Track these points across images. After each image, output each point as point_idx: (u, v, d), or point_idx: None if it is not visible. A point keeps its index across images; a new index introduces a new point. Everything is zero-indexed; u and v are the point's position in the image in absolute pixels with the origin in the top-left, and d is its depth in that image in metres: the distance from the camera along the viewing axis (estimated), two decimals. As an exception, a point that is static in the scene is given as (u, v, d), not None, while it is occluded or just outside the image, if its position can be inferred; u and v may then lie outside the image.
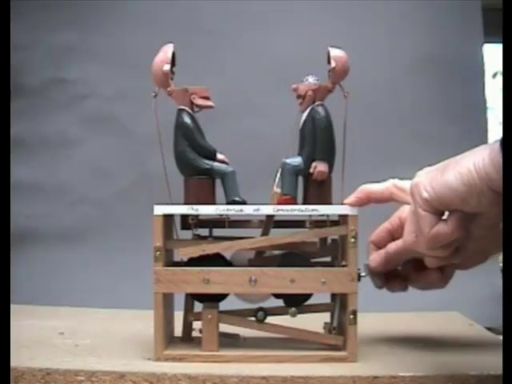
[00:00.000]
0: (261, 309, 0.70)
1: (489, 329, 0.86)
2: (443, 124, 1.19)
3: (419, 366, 0.65)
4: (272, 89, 1.10)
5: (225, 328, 0.69)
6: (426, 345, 0.75)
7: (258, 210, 0.67)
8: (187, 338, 0.72)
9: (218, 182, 0.69)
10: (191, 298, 0.71)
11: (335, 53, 0.69)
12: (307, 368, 0.64)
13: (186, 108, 0.69)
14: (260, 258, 0.70)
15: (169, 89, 0.69)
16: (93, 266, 1.16)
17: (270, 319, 0.70)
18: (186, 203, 0.68)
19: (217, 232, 0.71)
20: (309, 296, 0.69)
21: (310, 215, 0.68)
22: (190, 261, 0.69)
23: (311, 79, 0.69)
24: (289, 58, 1.14)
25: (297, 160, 0.69)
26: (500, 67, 1.69)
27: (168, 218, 0.69)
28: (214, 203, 0.69)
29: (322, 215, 0.69)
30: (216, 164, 0.69)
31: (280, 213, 0.68)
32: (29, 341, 0.75)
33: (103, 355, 0.69)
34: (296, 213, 0.68)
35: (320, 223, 0.69)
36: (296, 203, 0.68)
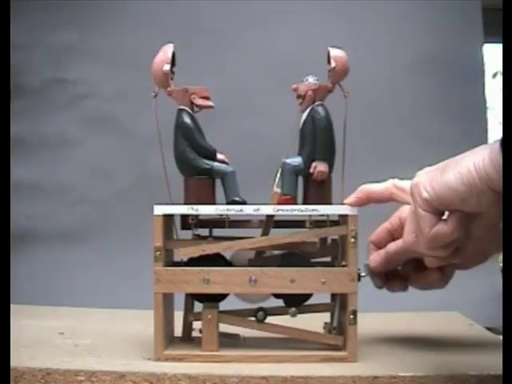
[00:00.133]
0: (261, 309, 0.70)
1: (489, 329, 0.86)
2: (443, 124, 1.19)
3: (419, 366, 0.65)
4: (272, 89, 1.10)
5: (225, 328, 0.69)
6: (425, 345, 0.75)
7: (257, 210, 0.67)
8: (187, 338, 0.72)
9: (218, 181, 0.69)
10: (191, 297, 0.71)
11: (335, 53, 0.69)
12: (307, 368, 0.64)
13: (186, 108, 0.69)
14: (260, 258, 0.70)
15: (169, 89, 0.69)
16: (93, 266, 1.16)
17: (270, 319, 0.70)
18: (185, 203, 0.68)
19: (217, 232, 0.71)
20: (309, 296, 0.69)
21: (310, 215, 0.68)
22: (190, 261, 0.69)
23: (311, 79, 0.69)
24: (289, 57, 1.14)
25: (297, 160, 0.69)
26: (500, 67, 1.69)
27: (168, 218, 0.69)
28: (214, 203, 0.69)
29: (322, 215, 0.69)
30: (216, 164, 0.69)
31: (280, 213, 0.68)
32: (29, 341, 0.75)
33: (103, 355, 0.69)
34: (296, 213, 0.68)
35: (320, 223, 0.69)
36: (296, 203, 0.68)
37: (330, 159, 0.69)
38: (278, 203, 0.68)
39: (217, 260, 0.69)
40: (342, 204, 0.67)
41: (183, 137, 0.69)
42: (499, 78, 1.82)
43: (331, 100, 0.70)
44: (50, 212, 1.20)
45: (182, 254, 0.68)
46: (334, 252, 0.71)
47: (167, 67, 0.68)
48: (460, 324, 0.89)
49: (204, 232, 0.71)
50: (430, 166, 0.58)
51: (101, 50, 1.21)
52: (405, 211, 0.71)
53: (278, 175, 0.69)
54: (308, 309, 0.70)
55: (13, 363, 0.62)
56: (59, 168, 1.21)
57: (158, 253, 0.67)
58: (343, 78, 0.69)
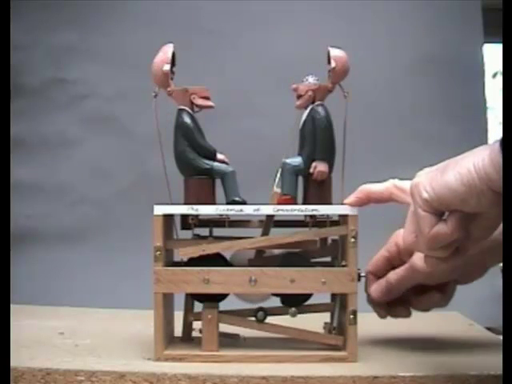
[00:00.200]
0: (261, 309, 0.70)
1: (489, 329, 0.86)
2: (443, 124, 1.19)
3: (419, 366, 0.65)
4: (272, 89, 1.10)
5: (225, 328, 0.69)
6: (426, 345, 0.75)
7: (258, 209, 0.67)
8: (187, 338, 0.72)
9: (218, 181, 0.69)
10: (191, 297, 0.71)
11: (335, 53, 0.69)
12: (307, 368, 0.64)
13: (186, 108, 0.69)
14: (260, 258, 0.70)
15: (169, 89, 0.69)
16: (93, 266, 1.16)
17: (270, 319, 0.70)
18: (185, 203, 0.68)
19: (217, 232, 0.71)
20: (309, 296, 0.69)
21: (310, 215, 0.68)
22: (190, 261, 0.69)
23: (311, 79, 0.69)
24: (289, 57, 1.14)
25: (297, 160, 0.69)
26: (500, 67, 1.69)
27: (168, 218, 0.69)
28: (214, 203, 0.69)
29: (322, 215, 0.69)
30: (216, 164, 0.69)
31: (280, 213, 0.68)
32: (29, 341, 0.75)
33: (103, 355, 0.69)
34: (296, 213, 0.68)
35: (320, 223, 0.69)
36: (296, 203, 0.68)
37: (330, 159, 0.69)
38: (278, 203, 0.68)
39: (217, 260, 0.69)
40: (342, 204, 0.67)
41: (183, 137, 0.69)
42: (499, 78, 1.82)
43: (331, 100, 0.70)
44: (50, 212, 1.21)
45: (181, 253, 0.68)
46: (334, 252, 0.71)
47: (167, 67, 0.68)
48: (460, 324, 0.89)
49: (204, 232, 0.71)
50: (429, 166, 0.58)
51: (101, 50, 1.21)
52: (400, 236, 0.71)
53: (278, 175, 0.69)
54: (308, 309, 0.70)
55: (13, 363, 0.62)
56: (59, 168, 1.21)
57: (158, 253, 0.67)
58: (343, 78, 0.69)
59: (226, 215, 0.69)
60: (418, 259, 0.63)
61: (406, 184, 0.66)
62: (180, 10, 1.20)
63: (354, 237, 0.66)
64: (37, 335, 0.78)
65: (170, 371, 0.63)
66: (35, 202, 1.21)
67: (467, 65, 1.21)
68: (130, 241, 1.11)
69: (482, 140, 1.17)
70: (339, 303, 0.70)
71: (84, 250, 1.18)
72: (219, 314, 0.68)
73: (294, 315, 0.69)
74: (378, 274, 0.73)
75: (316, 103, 0.69)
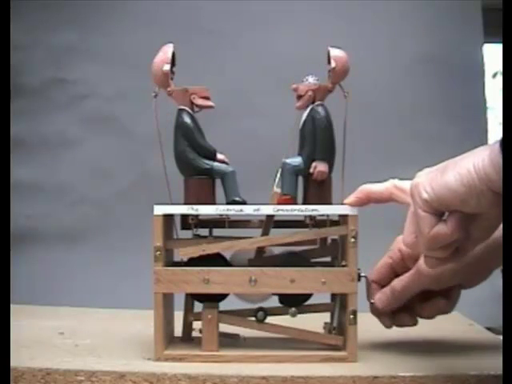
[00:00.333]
0: (261, 309, 0.70)
1: (489, 329, 0.86)
2: (443, 124, 1.19)
3: (419, 366, 0.65)
4: (272, 89, 1.10)
5: (225, 328, 0.69)
6: (425, 345, 0.75)
7: (258, 209, 0.67)
8: (187, 338, 0.72)
9: (218, 181, 0.69)
10: (191, 297, 0.71)
11: (335, 53, 0.69)
12: (307, 368, 0.64)
13: (186, 108, 0.69)
14: (260, 258, 0.70)
15: (169, 89, 0.69)
16: (93, 266, 1.16)
17: (270, 319, 0.70)
18: (185, 203, 0.68)
19: (217, 232, 0.71)
20: (309, 296, 0.69)
21: (310, 215, 0.68)
22: (190, 261, 0.69)
23: (311, 79, 0.69)
24: (289, 57, 1.14)
25: (297, 160, 0.69)
26: (500, 67, 1.69)
27: (168, 218, 0.69)
28: (214, 203, 0.69)
29: (322, 215, 0.69)
30: (216, 164, 0.69)
31: (280, 213, 0.68)
32: (29, 341, 0.75)
33: (103, 355, 0.69)
34: (296, 213, 0.68)
35: (320, 223, 0.69)
36: (296, 203, 0.68)
37: (330, 159, 0.69)
38: (278, 203, 0.68)
39: (217, 260, 0.69)
40: (342, 204, 0.67)
41: (183, 137, 0.69)
42: (499, 78, 1.82)
43: (331, 100, 0.70)
44: (50, 212, 1.21)
45: (181, 253, 0.68)
46: (334, 252, 0.71)
47: (167, 67, 0.68)
48: (460, 324, 0.89)
49: (204, 232, 0.71)
50: (430, 166, 0.58)
51: (101, 50, 1.21)
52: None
53: (278, 175, 0.69)
54: (308, 309, 0.70)
55: (13, 363, 0.62)
56: (59, 168, 1.21)
57: (158, 253, 0.67)
58: (343, 78, 0.69)
59: (226, 215, 0.69)
60: (424, 263, 0.63)
61: (406, 184, 0.66)
62: (180, 10, 1.20)
63: (354, 237, 0.66)
64: (37, 335, 0.78)
65: (170, 371, 0.63)
66: (35, 202, 1.21)
67: (467, 65, 1.21)
68: (130, 241, 1.11)
69: (482, 140, 1.18)
70: (339, 303, 0.70)
71: (84, 250, 1.18)
72: (219, 314, 0.68)
73: (294, 315, 0.69)
74: (382, 283, 0.72)
75: (316, 103, 0.69)
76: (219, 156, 0.70)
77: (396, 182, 0.68)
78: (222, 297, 0.69)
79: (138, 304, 0.85)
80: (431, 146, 1.13)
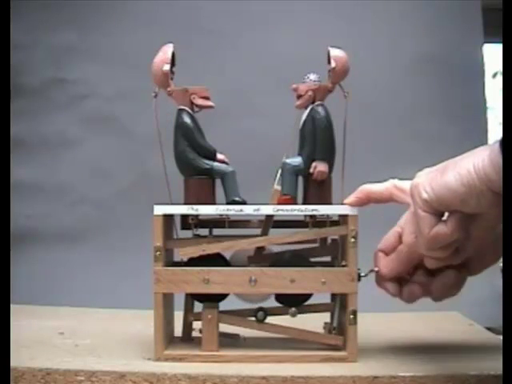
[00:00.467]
0: (261, 309, 0.70)
1: (489, 329, 0.86)
2: (443, 124, 1.19)
3: (419, 366, 0.65)
4: (272, 89, 1.10)
5: (225, 328, 0.69)
6: (426, 345, 0.75)
7: (258, 209, 0.67)
8: (187, 338, 0.72)
9: (218, 181, 0.69)
10: (191, 297, 0.71)
11: (335, 53, 0.69)
12: (307, 368, 0.64)
13: (186, 108, 0.69)
14: (260, 256, 0.70)
15: (169, 89, 0.69)
16: (93, 266, 1.16)
17: (270, 319, 0.70)
18: (186, 203, 0.68)
19: (217, 232, 0.71)
20: (309, 296, 0.69)
21: (310, 215, 0.68)
22: (190, 261, 0.69)
23: (312, 76, 0.69)
24: (289, 57, 1.14)
25: (297, 160, 0.69)
26: (500, 67, 1.69)
27: (168, 218, 0.69)
28: (214, 203, 0.69)
29: (322, 215, 0.69)
30: (216, 164, 0.69)
31: (280, 213, 0.68)
32: (29, 341, 0.75)
33: (103, 355, 0.69)
34: (296, 213, 0.68)
35: (320, 223, 0.69)
36: (296, 203, 0.68)
37: (330, 159, 0.69)
38: (278, 203, 0.68)
39: (217, 260, 0.69)
40: (342, 204, 0.67)
41: (183, 137, 0.69)
42: (499, 78, 1.82)
43: (331, 100, 0.70)
44: (50, 212, 1.21)
45: (181, 254, 0.68)
46: (334, 252, 0.71)
47: (167, 67, 0.68)
48: (460, 324, 0.89)
49: (204, 232, 0.71)
50: (430, 166, 0.58)
51: (101, 50, 1.21)
52: None
53: (279, 172, 0.69)
54: (308, 309, 0.70)
55: (13, 363, 0.62)
56: (59, 168, 1.21)
57: (158, 253, 0.67)
58: (343, 78, 0.69)
59: (226, 215, 0.69)
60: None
61: (406, 184, 0.66)
62: (180, 10, 1.20)
63: (354, 237, 0.66)
64: (37, 335, 0.78)
65: (170, 371, 0.63)
66: (35, 202, 1.21)
67: (467, 65, 1.21)
68: (130, 241, 1.12)
69: (482, 140, 1.17)
70: (339, 303, 0.70)
71: (84, 250, 1.18)
72: (219, 314, 0.68)
73: (294, 315, 0.69)
74: (389, 252, 0.70)
75: (316, 103, 0.69)
76: (219, 156, 0.70)
77: (396, 182, 0.68)
78: (222, 297, 0.69)
79: (138, 304, 0.85)
80: (431, 146, 1.13)
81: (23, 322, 0.86)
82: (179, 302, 0.72)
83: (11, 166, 0.99)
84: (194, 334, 0.72)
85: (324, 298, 0.71)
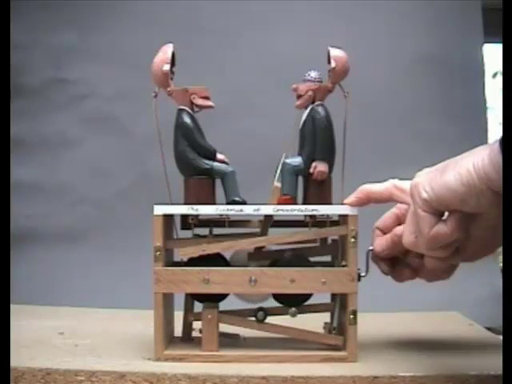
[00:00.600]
0: (261, 309, 0.70)
1: (489, 329, 0.86)
2: (443, 124, 1.19)
3: (419, 366, 0.65)
4: (272, 89, 1.10)
5: (225, 328, 0.69)
6: (426, 345, 0.75)
7: (258, 209, 0.67)
8: (187, 338, 0.72)
9: (218, 181, 0.69)
10: (191, 297, 0.71)
11: (335, 53, 0.69)
12: (307, 368, 0.64)
13: (186, 108, 0.69)
14: (259, 253, 0.70)
15: (169, 89, 0.69)
16: (93, 266, 1.16)
17: (270, 319, 0.70)
18: (186, 203, 0.68)
19: (217, 232, 0.71)
20: (309, 296, 0.69)
21: (310, 215, 0.68)
22: (190, 261, 0.69)
23: (313, 73, 0.69)
24: (289, 57, 1.14)
25: (297, 160, 0.69)
26: (500, 67, 1.69)
27: (168, 218, 0.69)
28: (214, 203, 0.69)
29: (322, 215, 0.69)
30: (216, 164, 0.69)
31: (280, 213, 0.68)
32: (29, 341, 0.75)
33: (103, 355, 0.69)
34: (296, 213, 0.68)
35: (320, 223, 0.69)
36: (296, 203, 0.68)
37: (329, 159, 0.69)
38: (278, 203, 0.68)
39: (217, 260, 0.69)
40: (342, 204, 0.67)
41: (183, 137, 0.69)
42: (499, 78, 1.82)
43: (331, 100, 0.70)
44: (50, 212, 1.20)
45: (181, 253, 0.68)
46: (334, 251, 0.71)
47: (167, 67, 0.68)
48: (460, 324, 0.89)
49: (204, 232, 0.71)
50: (430, 166, 0.58)
51: (101, 50, 1.21)
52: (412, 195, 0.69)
53: (279, 170, 0.69)
54: (308, 309, 0.70)
55: (13, 363, 0.62)
56: (59, 168, 1.21)
57: (158, 253, 0.67)
58: (343, 78, 0.69)
59: (226, 215, 0.69)
60: None
61: (405, 184, 0.66)
62: (180, 10, 1.20)
63: (354, 237, 0.66)
64: (37, 335, 0.78)
65: (170, 371, 0.63)
66: (35, 202, 1.21)
67: (467, 65, 1.21)
68: (130, 241, 1.12)
69: (482, 140, 1.17)
70: (339, 303, 0.70)
71: (84, 250, 1.18)
72: (219, 314, 0.68)
73: (294, 315, 0.69)
74: (385, 231, 0.71)
75: (316, 103, 0.69)
76: (219, 156, 0.70)
77: (396, 182, 0.68)
78: (222, 297, 0.69)
79: (138, 304, 0.85)
80: (431, 146, 1.13)
81: (23, 321, 0.86)
82: (179, 302, 0.72)
83: (11, 166, 0.99)
84: (194, 334, 0.72)
85: (324, 298, 0.71)
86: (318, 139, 0.68)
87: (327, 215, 0.69)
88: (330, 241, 0.72)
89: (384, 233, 0.71)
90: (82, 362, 0.66)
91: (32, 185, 1.21)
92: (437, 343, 0.77)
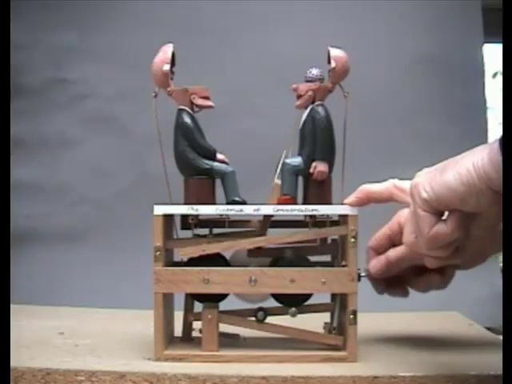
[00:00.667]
0: (261, 309, 0.70)
1: (489, 329, 0.86)
2: (443, 124, 1.19)
3: (419, 366, 0.65)
4: (272, 89, 1.10)
5: (225, 328, 0.69)
6: (426, 345, 0.75)
7: (258, 209, 0.67)
8: (187, 338, 0.72)
9: (218, 181, 0.69)
10: (191, 297, 0.71)
11: (335, 53, 0.69)
12: (307, 368, 0.64)
13: (186, 108, 0.69)
14: (259, 250, 0.70)
15: (169, 89, 0.69)
16: (93, 266, 1.16)
17: (270, 319, 0.70)
18: (185, 203, 0.68)
19: (217, 232, 0.71)
20: (309, 296, 0.69)
21: (310, 215, 0.68)
22: (190, 261, 0.69)
23: (315, 71, 0.69)
24: (289, 57, 1.14)
25: (297, 160, 0.69)
26: (500, 67, 1.69)
27: (168, 218, 0.69)
28: (214, 203, 0.69)
29: (322, 215, 0.69)
30: (216, 164, 0.69)
31: (280, 213, 0.68)
32: (29, 341, 0.75)
33: (103, 355, 0.69)
34: (296, 213, 0.68)
35: (320, 223, 0.69)
36: (296, 203, 0.68)
37: (329, 159, 0.69)
38: (278, 203, 0.68)
39: (217, 260, 0.69)
40: (342, 204, 0.67)
41: (183, 137, 0.69)
42: (499, 78, 1.82)
43: (331, 100, 0.70)
44: (50, 212, 1.20)
45: (181, 253, 0.68)
46: (334, 251, 0.71)
47: (167, 67, 0.68)
48: (460, 324, 0.89)
49: (204, 232, 0.71)
50: (429, 166, 0.58)
51: (101, 50, 1.21)
52: (403, 215, 0.71)
53: (280, 167, 0.69)
54: (308, 309, 0.70)
55: (13, 363, 0.62)
56: (59, 168, 1.21)
57: (158, 253, 0.67)
58: (343, 78, 0.69)
59: (226, 215, 0.69)
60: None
61: (405, 184, 0.66)
62: (180, 10, 1.20)
63: (354, 237, 0.66)
64: (37, 335, 0.78)
65: (170, 371, 0.63)
66: (35, 202, 1.21)
67: (467, 65, 1.21)
68: (130, 241, 1.12)
69: (482, 140, 1.17)
70: (339, 303, 0.70)
71: (84, 250, 1.18)
72: (219, 314, 0.68)
73: (294, 315, 0.69)
74: (379, 250, 0.73)
75: (316, 103, 0.69)
76: (219, 156, 0.70)
77: (396, 182, 0.68)
78: (222, 297, 0.69)
79: (138, 304, 0.85)
80: (431, 146, 1.13)
81: (23, 321, 0.86)
82: (179, 302, 0.72)
83: (11, 166, 0.99)
84: (194, 334, 0.72)
85: (324, 298, 0.71)
86: (318, 139, 0.68)
87: (327, 215, 0.69)
88: (329, 241, 0.72)
89: (378, 253, 0.73)
90: (82, 362, 0.66)
91: (32, 185, 1.21)
92: (437, 343, 0.77)
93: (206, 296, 0.68)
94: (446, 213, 0.57)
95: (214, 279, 0.67)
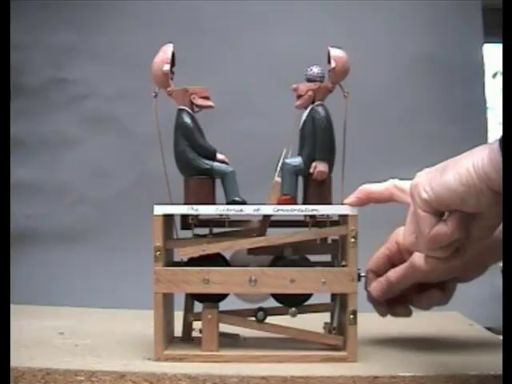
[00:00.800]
0: (261, 309, 0.70)
1: (489, 329, 0.86)
2: (443, 124, 1.19)
3: (419, 366, 0.65)
4: (272, 89, 1.10)
5: (225, 328, 0.69)
6: (426, 345, 0.75)
7: (258, 209, 0.67)
8: (187, 338, 0.72)
9: (218, 181, 0.69)
10: (191, 297, 0.71)
11: (335, 53, 0.69)
12: (307, 368, 0.64)
13: (186, 108, 0.69)
14: (259, 249, 0.70)
15: (169, 89, 0.69)
16: (93, 266, 1.16)
17: (270, 319, 0.70)
18: (186, 203, 0.68)
19: (216, 232, 0.71)
20: (309, 296, 0.69)
21: (310, 215, 0.68)
22: (190, 261, 0.69)
23: (316, 69, 0.69)
24: (289, 57, 1.14)
25: (297, 160, 0.69)
26: (500, 67, 1.69)
27: (168, 218, 0.69)
28: (214, 203, 0.69)
29: (322, 215, 0.69)
30: (216, 164, 0.69)
31: (280, 213, 0.68)
32: (29, 341, 0.75)
33: (103, 355, 0.69)
34: (296, 213, 0.68)
35: (320, 223, 0.69)
36: (296, 203, 0.68)
37: (329, 159, 0.69)
38: (278, 203, 0.68)
39: (217, 260, 0.69)
40: (342, 204, 0.67)
41: (183, 137, 0.69)
42: (499, 78, 1.82)
43: (331, 100, 0.70)
44: (50, 212, 1.20)
45: (181, 253, 0.68)
46: (334, 251, 0.71)
47: (167, 67, 0.68)
48: (460, 324, 0.89)
49: (204, 232, 0.71)
50: (430, 166, 0.58)
51: (101, 50, 1.21)
52: (401, 234, 0.71)
53: (279, 165, 0.69)
54: (308, 309, 0.70)
55: (13, 363, 0.62)
56: (59, 168, 1.21)
57: (158, 253, 0.67)
58: (343, 78, 0.69)
59: (226, 215, 0.69)
60: (417, 258, 0.64)
61: (405, 184, 0.66)
62: (180, 10, 1.20)
63: (353, 237, 0.66)
64: (37, 335, 0.78)
65: (170, 371, 0.63)
66: (35, 202, 1.21)
67: (467, 65, 1.21)
68: (130, 241, 1.11)
69: (482, 140, 1.17)
70: (339, 303, 0.70)
71: (84, 250, 1.18)
72: (219, 314, 0.68)
73: (294, 315, 0.69)
74: (379, 272, 0.73)
75: (316, 103, 0.69)
76: (219, 156, 0.70)
77: (396, 181, 0.68)
78: (222, 297, 0.69)
79: (138, 304, 0.85)
80: (431, 146, 1.13)
81: (23, 321, 0.86)
82: (179, 302, 0.72)
83: (11, 166, 0.99)
84: (194, 334, 0.72)
85: (324, 298, 0.71)
86: (318, 139, 0.68)
87: (327, 215, 0.69)
88: (329, 241, 0.72)
89: (378, 275, 0.73)
90: (82, 361, 0.66)
91: (32, 185, 1.21)
92: (437, 343, 0.77)
93: (206, 296, 0.68)
94: (447, 213, 0.57)
95: (214, 279, 0.67)
